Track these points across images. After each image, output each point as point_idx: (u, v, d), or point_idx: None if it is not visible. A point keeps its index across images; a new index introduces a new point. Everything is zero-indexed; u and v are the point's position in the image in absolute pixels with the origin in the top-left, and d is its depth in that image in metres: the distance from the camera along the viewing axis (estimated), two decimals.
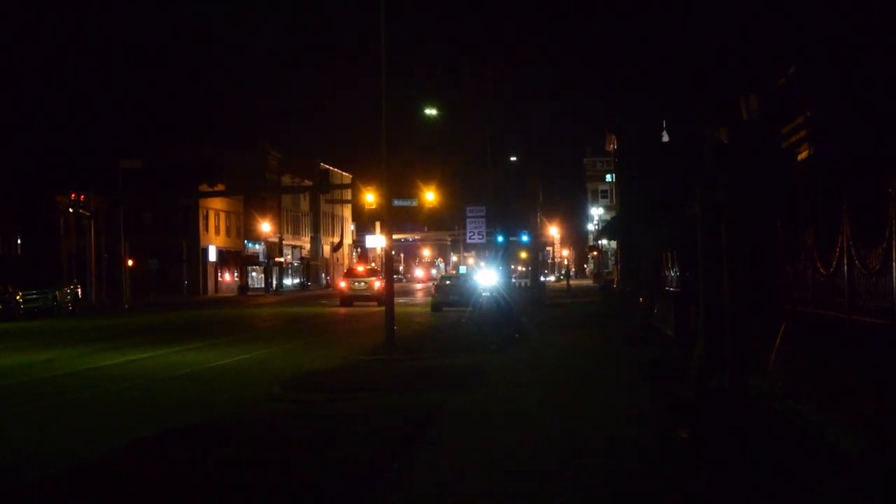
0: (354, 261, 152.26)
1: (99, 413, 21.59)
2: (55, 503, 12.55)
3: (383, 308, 36.42)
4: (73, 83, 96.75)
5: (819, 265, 19.26)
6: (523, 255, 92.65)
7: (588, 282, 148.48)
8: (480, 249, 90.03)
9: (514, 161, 75.66)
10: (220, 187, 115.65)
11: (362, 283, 71.18)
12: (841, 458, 14.33)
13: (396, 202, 70.57)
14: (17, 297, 65.08)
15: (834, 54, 22.59)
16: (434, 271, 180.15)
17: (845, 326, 17.73)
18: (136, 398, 23.92)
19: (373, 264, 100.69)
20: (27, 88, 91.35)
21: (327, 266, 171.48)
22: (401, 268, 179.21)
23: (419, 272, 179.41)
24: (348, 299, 69.91)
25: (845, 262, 17.79)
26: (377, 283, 69.40)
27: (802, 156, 25.71)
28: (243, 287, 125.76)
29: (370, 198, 68.73)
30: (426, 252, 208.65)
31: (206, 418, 19.04)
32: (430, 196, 71.62)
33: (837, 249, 18.05)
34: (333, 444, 15.39)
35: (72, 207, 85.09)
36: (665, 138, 37.49)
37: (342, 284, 75.44)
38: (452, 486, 13.38)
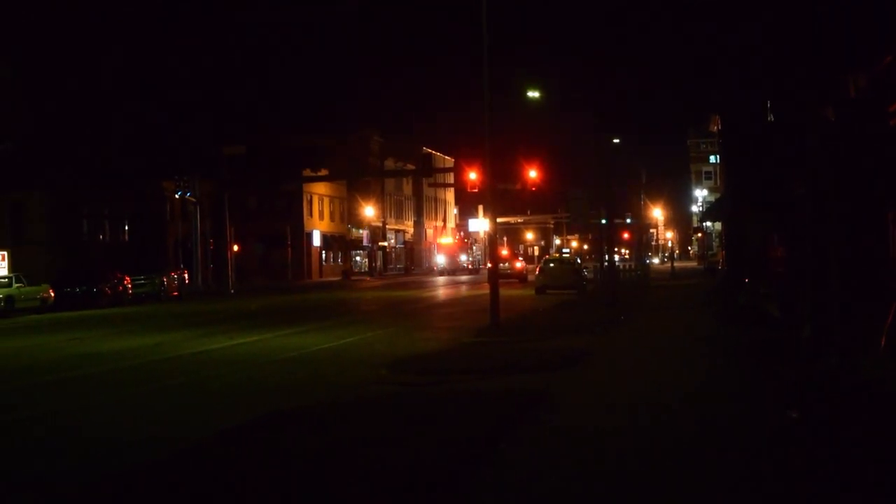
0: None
1: (209, 395, 21.88)
2: (166, 484, 12.71)
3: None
4: (181, 70, 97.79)
5: None
6: (626, 236, 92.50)
7: (692, 264, 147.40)
8: (584, 232, 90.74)
9: (616, 143, 75.46)
10: (323, 172, 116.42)
11: (505, 264, 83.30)
12: None
13: (499, 185, 71.41)
14: (126, 283, 66.35)
15: None
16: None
17: None
18: (244, 381, 24.21)
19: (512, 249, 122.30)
20: (135, 75, 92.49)
21: (430, 250, 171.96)
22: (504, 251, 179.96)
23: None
24: None
25: None
26: (518, 265, 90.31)
27: None
28: (347, 271, 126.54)
29: (473, 176, 69.37)
30: (529, 235, 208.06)
31: (314, 400, 19.21)
32: (532, 174, 72.40)
33: None
34: (441, 424, 15.44)
35: (178, 194, 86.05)
36: (770, 118, 37.00)
37: (489, 265, 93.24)
38: (560, 466, 13.37)
